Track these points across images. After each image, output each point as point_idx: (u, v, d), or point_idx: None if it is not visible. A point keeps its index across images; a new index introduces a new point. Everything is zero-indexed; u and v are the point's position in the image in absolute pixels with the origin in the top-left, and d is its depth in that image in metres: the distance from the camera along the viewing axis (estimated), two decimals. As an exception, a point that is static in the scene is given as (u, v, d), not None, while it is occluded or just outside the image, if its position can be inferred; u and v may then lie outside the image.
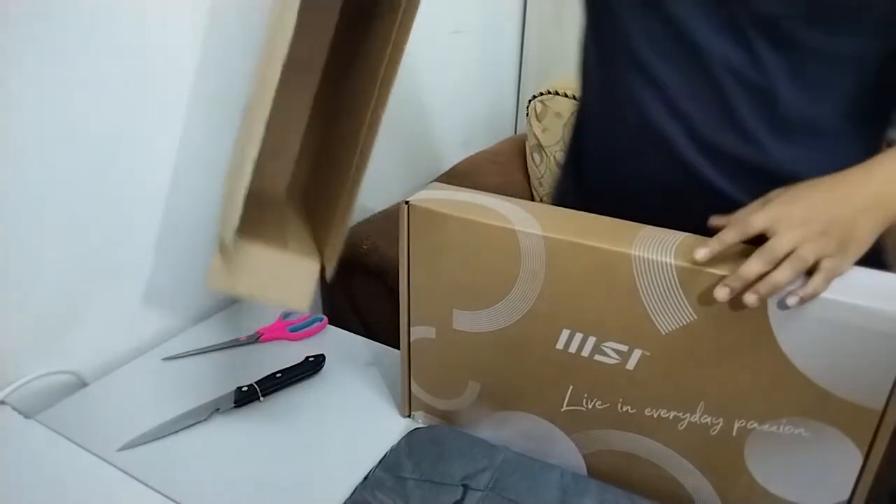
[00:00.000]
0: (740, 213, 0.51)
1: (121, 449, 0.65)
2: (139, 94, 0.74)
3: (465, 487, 0.60)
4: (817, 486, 0.52)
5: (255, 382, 0.74)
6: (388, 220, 1.10)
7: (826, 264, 0.46)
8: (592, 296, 0.54)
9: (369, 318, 1.09)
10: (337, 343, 0.84)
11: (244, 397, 0.72)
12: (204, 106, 0.82)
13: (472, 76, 1.43)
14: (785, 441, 0.52)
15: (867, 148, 0.58)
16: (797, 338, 0.48)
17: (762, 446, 0.53)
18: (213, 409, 0.71)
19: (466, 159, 1.35)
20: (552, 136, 1.25)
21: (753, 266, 0.47)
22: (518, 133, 1.62)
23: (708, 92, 0.59)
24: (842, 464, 0.50)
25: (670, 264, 0.50)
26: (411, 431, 0.67)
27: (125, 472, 0.62)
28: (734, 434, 0.53)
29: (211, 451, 0.66)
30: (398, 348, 0.68)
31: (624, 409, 0.57)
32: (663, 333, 0.52)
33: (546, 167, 1.27)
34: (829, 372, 0.48)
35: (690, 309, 0.51)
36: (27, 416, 0.68)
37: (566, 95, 1.24)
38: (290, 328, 0.85)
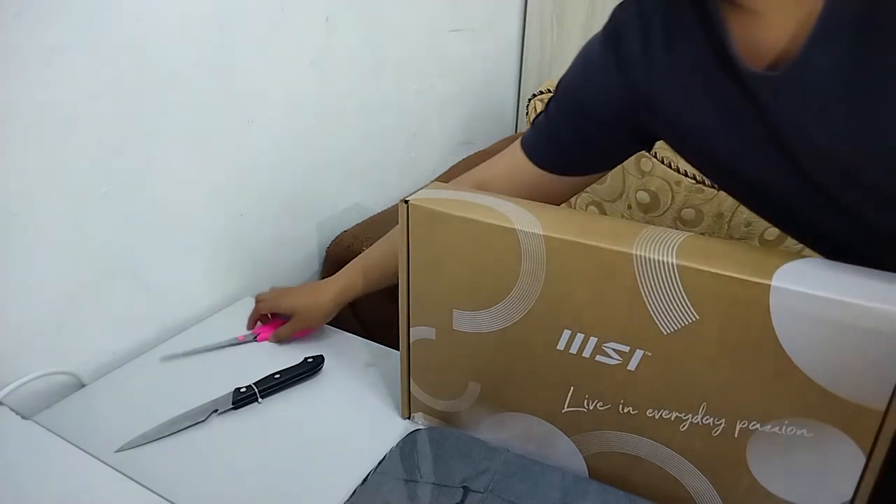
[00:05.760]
0: None
1: (119, 450, 0.65)
2: (138, 93, 0.74)
3: (465, 489, 0.59)
4: (819, 487, 0.52)
5: (254, 383, 0.74)
6: (388, 221, 1.10)
7: None
8: (593, 296, 0.54)
9: (368, 318, 1.08)
10: (336, 344, 0.83)
11: (242, 398, 0.72)
12: (204, 106, 0.82)
13: (472, 75, 1.43)
14: (787, 442, 0.51)
15: None
16: (800, 338, 0.48)
17: (764, 447, 0.52)
18: (212, 411, 0.70)
19: (466, 159, 1.35)
20: (552, 135, 1.24)
21: None
22: (518, 132, 1.62)
23: None
24: (844, 465, 0.50)
25: (672, 264, 0.50)
26: (411, 433, 0.67)
27: (123, 473, 0.61)
28: (736, 435, 0.53)
29: (209, 452, 0.66)
30: (397, 349, 0.67)
31: (625, 411, 0.57)
32: (665, 334, 0.52)
33: (546, 167, 1.27)
34: (831, 372, 0.48)
35: (692, 309, 0.50)
36: (25, 417, 0.67)
37: (566, 95, 1.23)
38: (289, 328, 0.85)
